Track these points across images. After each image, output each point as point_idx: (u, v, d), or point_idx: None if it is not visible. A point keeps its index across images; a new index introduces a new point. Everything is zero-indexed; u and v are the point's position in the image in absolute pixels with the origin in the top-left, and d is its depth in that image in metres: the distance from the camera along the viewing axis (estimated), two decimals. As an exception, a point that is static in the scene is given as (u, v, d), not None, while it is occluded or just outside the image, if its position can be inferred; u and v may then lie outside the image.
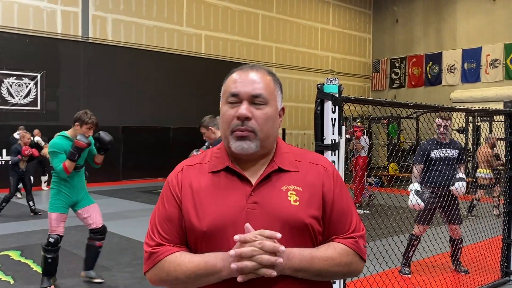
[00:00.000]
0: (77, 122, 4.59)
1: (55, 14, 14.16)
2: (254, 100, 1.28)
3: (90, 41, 14.70)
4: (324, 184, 1.32)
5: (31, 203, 8.91)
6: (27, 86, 13.13)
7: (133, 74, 15.07)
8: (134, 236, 7.07)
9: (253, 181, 1.29)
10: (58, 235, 4.57)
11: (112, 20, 15.27)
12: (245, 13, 18.56)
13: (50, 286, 4.69)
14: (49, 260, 4.61)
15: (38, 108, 13.32)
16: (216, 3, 17.71)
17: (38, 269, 5.36)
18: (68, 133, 4.66)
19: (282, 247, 1.17)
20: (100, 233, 4.79)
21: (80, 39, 14.53)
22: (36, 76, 13.25)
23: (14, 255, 5.89)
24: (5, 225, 7.95)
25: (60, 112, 13.70)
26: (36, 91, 13.29)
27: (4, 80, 12.71)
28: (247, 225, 1.19)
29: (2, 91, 12.69)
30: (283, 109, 1.38)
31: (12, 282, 4.93)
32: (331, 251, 1.28)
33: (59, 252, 4.67)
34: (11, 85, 12.84)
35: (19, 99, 12.96)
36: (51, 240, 4.54)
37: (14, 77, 12.88)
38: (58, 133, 4.75)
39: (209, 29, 17.55)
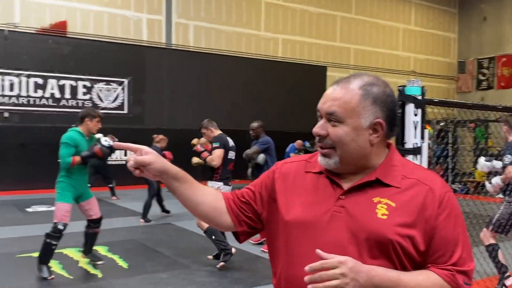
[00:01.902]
0: (87, 117, 5.12)
1: (141, 22, 14.93)
2: (330, 117, 1.27)
3: (173, 47, 15.32)
4: (426, 207, 1.22)
5: (164, 203, 8.96)
6: (115, 91, 13.94)
7: (213, 79, 15.48)
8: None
9: (346, 187, 1.28)
10: (65, 223, 4.96)
11: (193, 27, 15.82)
12: (323, 16, 18.43)
13: (50, 276, 4.99)
14: (53, 247, 4.99)
15: (125, 112, 14.09)
16: (294, 6, 17.74)
17: (124, 264, 5.65)
18: (80, 128, 5.14)
19: (342, 259, 1.11)
20: (98, 222, 5.39)
21: (164, 46, 15.19)
22: (124, 82, 14.03)
23: (102, 250, 6.24)
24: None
25: (144, 116, 14.40)
26: (123, 96, 14.07)
27: (95, 85, 13.58)
28: (318, 251, 1.13)
29: (92, 96, 13.57)
30: (379, 123, 1.26)
31: (100, 275, 5.24)
32: (423, 279, 1.19)
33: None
34: (100, 90, 13.70)
35: (107, 103, 13.80)
36: (60, 227, 4.93)
37: (104, 83, 13.73)
38: (71, 128, 5.19)
39: (286, 33, 17.62)
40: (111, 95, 13.86)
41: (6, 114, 12.22)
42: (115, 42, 14.07)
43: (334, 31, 18.76)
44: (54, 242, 4.96)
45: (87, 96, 13.45)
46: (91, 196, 5.32)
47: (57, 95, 12.99)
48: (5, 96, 12.29)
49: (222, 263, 5.47)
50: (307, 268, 1.10)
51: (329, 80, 17.21)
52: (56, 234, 4.94)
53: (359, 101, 1.25)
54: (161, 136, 8.91)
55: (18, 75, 12.43)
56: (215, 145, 5.73)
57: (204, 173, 5.89)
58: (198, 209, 1.42)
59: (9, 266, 5.52)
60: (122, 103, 14.05)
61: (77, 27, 13.75)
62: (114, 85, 13.89)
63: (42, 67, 12.71)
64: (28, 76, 12.56)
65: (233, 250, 5.60)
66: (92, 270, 5.39)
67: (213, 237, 5.46)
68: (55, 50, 12.97)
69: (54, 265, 5.44)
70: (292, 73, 16.82)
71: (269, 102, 16.17)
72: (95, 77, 13.55)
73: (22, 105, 12.48)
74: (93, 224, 5.38)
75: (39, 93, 12.73)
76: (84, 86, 13.40)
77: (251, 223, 1.42)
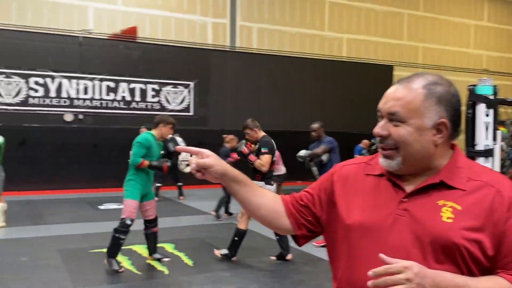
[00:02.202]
0: (162, 123, 5.46)
1: (206, 26, 15.28)
2: (391, 117, 1.24)
3: (236, 50, 15.55)
4: (494, 210, 1.16)
5: (230, 205, 9.01)
6: (181, 94, 14.36)
7: (275, 81, 15.54)
8: (273, 235, 7.26)
9: (409, 190, 1.25)
10: (132, 219, 5.21)
11: (257, 29, 15.97)
12: (389, 14, 17.97)
13: (121, 269, 5.26)
14: (121, 242, 5.23)
15: (191, 113, 14.47)
16: (359, 5, 17.44)
17: (189, 262, 5.81)
18: (154, 132, 5.47)
19: (406, 264, 1.08)
20: (155, 222, 5.63)
21: (228, 49, 15.45)
22: (190, 84, 14.42)
23: (169, 247, 6.45)
24: (161, 219, 8.77)
25: (209, 118, 14.71)
26: (189, 98, 14.45)
27: (163, 88, 14.06)
28: (382, 255, 1.11)
29: (160, 98, 14.06)
30: (443, 123, 1.23)
31: (166, 272, 5.42)
32: (491, 285, 1.14)
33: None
34: (168, 93, 14.16)
35: (174, 105, 14.23)
36: (128, 222, 5.19)
37: (171, 86, 14.18)
38: (146, 131, 5.54)
39: (351, 32, 17.36)
40: (178, 97, 14.29)
41: (80, 116, 12.95)
42: (182, 46, 14.49)
43: (401, 29, 18.25)
44: (122, 237, 5.22)
45: (156, 99, 13.95)
46: (153, 198, 5.65)
47: (128, 98, 13.57)
48: (80, 99, 13.01)
49: (220, 253, 5.84)
50: (370, 273, 1.08)
51: (395, 79, 16.76)
52: (124, 229, 5.20)
53: (423, 100, 1.22)
54: (231, 136, 8.99)
55: (91, 79, 13.12)
56: (264, 150, 5.71)
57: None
58: (258, 212, 1.43)
59: (82, 260, 5.83)
60: (188, 105, 14.44)
61: (146, 32, 14.31)
62: (181, 88, 14.30)
63: (113, 71, 13.33)
64: (101, 80, 13.22)
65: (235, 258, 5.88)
66: (159, 267, 5.58)
67: (236, 238, 5.77)
68: (125, 55, 13.57)
69: (123, 260, 5.69)
70: (357, 73, 16.53)
71: (333, 103, 15.99)
72: (163, 80, 14.01)
73: (95, 107, 13.16)
74: (150, 224, 5.62)
75: (111, 96, 13.36)
76: (153, 89, 13.91)
77: (310, 226, 1.42)
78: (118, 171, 11.81)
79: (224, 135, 9.14)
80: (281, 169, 8.95)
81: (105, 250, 5.49)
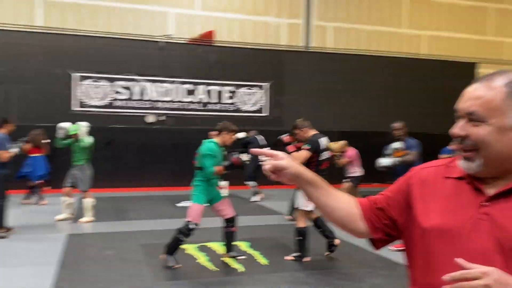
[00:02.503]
0: (225, 130, 5.63)
1: (280, 27, 15.37)
2: (470, 117, 1.20)
3: (311, 50, 15.49)
4: None
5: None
6: (256, 95, 14.56)
7: (351, 80, 15.29)
8: (349, 238, 7.16)
9: (490, 193, 1.21)
10: (196, 223, 5.41)
11: (332, 28, 15.81)
12: (472, 8, 17.05)
13: (177, 264, 5.46)
14: (180, 242, 5.46)
15: (265, 114, 14.62)
16: (440, 0, 16.71)
17: (264, 261, 5.89)
18: (216, 139, 5.64)
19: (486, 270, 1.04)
20: (233, 221, 5.76)
21: (303, 49, 15.43)
22: (264, 86, 14.58)
23: (244, 246, 6.57)
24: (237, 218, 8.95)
25: (283, 118, 14.77)
26: (264, 99, 14.62)
27: (238, 90, 14.34)
28: (459, 260, 1.08)
29: (236, 100, 14.35)
30: None
31: (242, 270, 5.53)
32: None
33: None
34: (243, 94, 14.42)
35: (249, 106, 14.46)
36: (192, 226, 5.40)
37: (246, 87, 14.43)
38: (209, 140, 5.70)
39: (431, 29, 16.67)
40: (252, 98, 14.50)
41: (162, 118, 13.54)
42: (257, 48, 14.68)
43: (484, 24, 17.23)
44: (183, 238, 5.45)
45: (231, 101, 14.26)
46: (222, 198, 5.78)
47: (205, 100, 13.99)
48: (161, 101, 13.61)
49: (290, 258, 5.88)
50: (446, 277, 1.06)
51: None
52: (186, 231, 5.42)
53: (504, 99, 1.17)
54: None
55: (172, 82, 13.67)
56: (305, 146, 5.75)
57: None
58: (333, 215, 1.43)
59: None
60: (263, 106, 14.60)
61: (223, 35, 14.66)
62: (255, 89, 14.50)
63: (192, 74, 13.80)
64: (181, 83, 13.74)
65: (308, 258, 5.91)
66: (235, 264, 5.70)
67: (299, 238, 5.85)
68: (203, 58, 13.99)
69: (200, 256, 5.89)
70: (437, 71, 15.84)
71: (411, 103, 15.44)
72: (239, 82, 14.28)
73: (175, 109, 13.70)
74: (229, 223, 5.79)
75: (190, 98, 13.85)
76: (229, 91, 14.23)
77: (387, 230, 1.40)
78: (172, 170, 12.23)
79: (282, 136, 9.22)
80: (357, 171, 8.80)
81: (184, 246, 5.68)
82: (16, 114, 11.21)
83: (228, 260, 5.85)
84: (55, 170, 10.45)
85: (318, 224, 6.02)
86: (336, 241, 6.00)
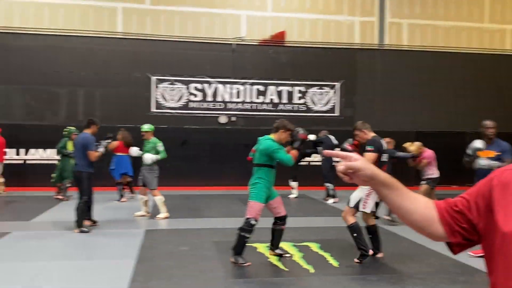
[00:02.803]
0: (282, 129, 5.66)
1: (353, 26, 15.11)
2: None
3: (385, 48, 15.08)
4: None
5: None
6: (327, 95, 14.41)
7: (428, 78, 14.69)
8: (424, 242, 6.90)
9: None
10: (256, 220, 5.47)
11: (407, 25, 15.30)
12: None
13: (246, 263, 5.52)
14: (245, 240, 5.51)
15: (336, 114, 14.43)
16: (526, -9, 15.66)
17: (334, 262, 5.82)
18: (273, 137, 5.69)
19: None
20: (284, 219, 5.85)
21: (376, 47, 15.06)
22: (335, 85, 14.40)
23: (314, 247, 6.54)
24: (307, 219, 8.93)
25: (355, 118, 14.49)
26: (335, 99, 14.44)
27: (309, 90, 14.27)
28: None
29: (306, 100, 14.29)
30: None
31: (312, 271, 5.50)
32: None
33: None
34: (314, 94, 14.33)
35: (320, 106, 14.35)
36: (253, 222, 5.48)
37: (317, 87, 14.33)
38: (265, 137, 5.74)
39: (516, 22, 15.65)
40: (323, 98, 14.37)
41: (233, 118, 13.79)
42: (328, 47, 14.54)
43: None
44: (247, 235, 5.52)
45: (302, 101, 14.22)
46: (277, 196, 5.84)
47: (276, 100, 14.07)
48: (233, 102, 13.86)
49: (356, 261, 5.69)
50: None
51: None
52: (248, 228, 5.50)
53: None
54: (387, 139, 8.57)
55: (243, 84, 13.89)
56: (369, 148, 5.68)
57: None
58: (409, 217, 1.39)
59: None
60: (334, 106, 14.43)
61: (294, 35, 14.66)
62: (327, 89, 14.36)
63: (263, 75, 13.93)
64: (252, 84, 13.92)
65: (370, 252, 5.87)
66: (305, 265, 5.68)
67: (355, 234, 5.73)
68: (274, 59, 14.08)
69: (271, 256, 5.93)
70: (523, 68, 14.84)
71: (492, 102, 14.55)
72: (309, 82, 14.21)
73: (246, 110, 13.90)
74: (280, 221, 5.86)
75: (260, 99, 13.99)
76: (299, 91, 14.20)
77: (465, 234, 1.33)
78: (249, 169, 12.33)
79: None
80: (434, 172, 8.44)
81: (255, 244, 5.75)
82: (99, 116, 11.90)
83: (298, 261, 5.85)
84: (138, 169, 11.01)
85: (371, 230, 5.97)
86: (380, 255, 5.98)
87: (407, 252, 6.40)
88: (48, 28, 13.32)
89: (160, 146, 8.50)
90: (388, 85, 14.58)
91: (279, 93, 14.09)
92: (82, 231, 7.23)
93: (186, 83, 13.55)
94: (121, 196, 10.65)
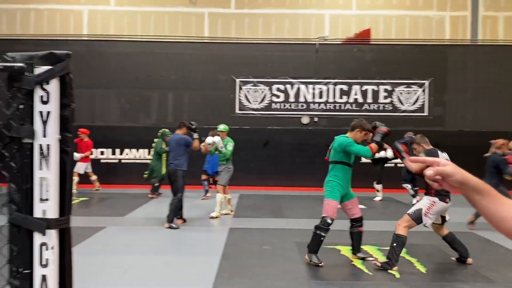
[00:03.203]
0: (358, 128, 5.65)
1: (443, 21, 14.39)
2: None
3: (479, 43, 14.20)
4: None
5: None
6: (415, 93, 13.86)
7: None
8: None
9: None
10: (332, 218, 5.44)
11: (503, 18, 14.28)
12: None
13: (320, 263, 5.45)
14: (322, 238, 5.48)
15: (425, 114, 13.83)
16: None
17: (421, 268, 5.59)
18: (349, 135, 5.69)
19: None
20: (360, 221, 5.74)
21: (469, 43, 14.23)
22: (424, 83, 13.80)
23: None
24: (392, 222, 8.63)
25: (445, 118, 13.81)
26: (424, 97, 13.84)
27: (395, 89, 13.81)
28: None
29: (393, 99, 13.84)
30: None
31: (397, 276, 5.32)
32: None
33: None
34: (401, 93, 13.84)
35: (407, 106, 13.82)
36: (329, 221, 5.46)
37: (404, 86, 13.82)
38: (340, 135, 5.80)
39: None
40: (411, 97, 13.84)
41: (316, 119, 13.72)
42: (416, 44, 13.98)
43: None
44: (323, 234, 5.49)
45: (388, 100, 13.80)
46: (354, 197, 5.78)
47: (360, 100, 13.78)
48: (315, 102, 13.79)
49: (377, 263, 5.53)
50: None
51: None
52: (324, 226, 5.48)
53: None
54: (501, 141, 7.82)
55: (326, 84, 13.77)
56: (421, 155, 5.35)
57: None
58: (503, 225, 1.30)
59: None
60: (422, 105, 13.84)
61: (380, 33, 14.27)
62: (415, 87, 13.81)
63: (346, 74, 13.71)
64: (335, 84, 13.75)
65: (453, 258, 5.77)
66: (391, 270, 5.52)
67: (395, 244, 5.44)
68: (358, 57, 13.81)
69: (355, 260, 5.83)
70: None
71: None
72: (396, 81, 13.76)
73: (329, 110, 13.76)
74: (356, 223, 5.76)
75: (344, 99, 13.78)
76: (385, 90, 13.79)
77: None
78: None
79: (492, 140, 8.15)
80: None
81: (338, 247, 5.69)
82: (186, 117, 12.40)
83: (356, 261, 5.74)
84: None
85: (448, 240, 5.75)
86: (469, 261, 5.70)
87: (502, 259, 6.00)
88: (141, 35, 14.12)
89: (230, 145, 8.63)
90: (481, 82, 13.71)
91: (364, 93, 13.79)
92: (171, 227, 7.58)
93: (269, 84, 13.70)
94: (206, 191, 11.01)
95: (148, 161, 11.56)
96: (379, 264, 5.51)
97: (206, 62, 13.62)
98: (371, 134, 5.79)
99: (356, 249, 5.88)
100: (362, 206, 10.01)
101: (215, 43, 13.96)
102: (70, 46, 12.88)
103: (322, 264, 5.55)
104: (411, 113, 13.71)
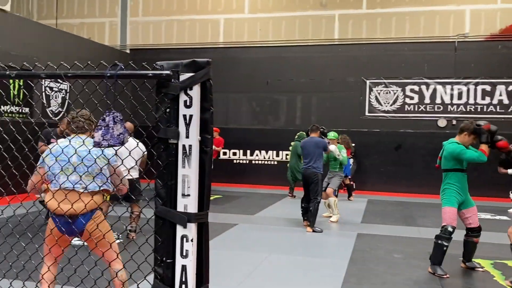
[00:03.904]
0: (467, 131, 5.30)
1: None
2: None
3: None
4: None
5: None
6: None
7: None
8: None
9: None
10: (453, 226, 5.16)
11: None
12: None
13: (445, 274, 5.18)
14: (444, 248, 5.20)
15: None
16: None
17: (501, 280, 4.93)
18: (457, 139, 5.39)
19: None
20: (477, 231, 5.39)
21: None
22: None
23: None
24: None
25: None
26: None
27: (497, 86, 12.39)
28: None
29: (493, 100, 12.45)
30: None
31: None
32: None
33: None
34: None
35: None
36: (450, 229, 5.17)
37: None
38: (448, 141, 5.48)
39: None
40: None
41: (454, 122, 12.81)
42: None
43: None
44: (445, 243, 5.21)
45: (539, 101, 12.38)
46: (473, 205, 5.42)
47: (505, 101, 12.57)
48: (454, 104, 12.89)
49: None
50: None
51: None
52: (446, 235, 5.20)
53: None
54: None
55: (466, 84, 12.80)
56: None
57: None
58: None
59: (452, 267, 5.77)
60: None
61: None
62: None
63: (490, 73, 12.61)
64: (476, 84, 12.72)
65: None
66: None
67: None
68: (505, 55, 12.62)
69: (496, 275, 5.34)
70: None
71: None
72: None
73: (469, 112, 12.76)
74: (472, 233, 5.44)
75: (487, 100, 12.68)
76: (536, 90, 12.40)
77: None
78: (489, 178, 11.09)
79: None
80: None
81: (478, 260, 5.30)
82: (314, 120, 12.46)
83: (498, 277, 5.28)
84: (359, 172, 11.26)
85: None
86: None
87: None
88: (272, 40, 14.53)
89: (344, 152, 8.71)
90: None
91: (510, 94, 12.55)
92: (314, 231, 7.63)
93: (402, 85, 13.16)
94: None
95: (275, 163, 11.88)
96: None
97: (335, 64, 13.54)
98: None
99: (466, 258, 5.57)
100: (487, 216, 9.18)
101: (344, 44, 13.82)
102: (208, 53, 13.76)
103: (448, 275, 5.23)
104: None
